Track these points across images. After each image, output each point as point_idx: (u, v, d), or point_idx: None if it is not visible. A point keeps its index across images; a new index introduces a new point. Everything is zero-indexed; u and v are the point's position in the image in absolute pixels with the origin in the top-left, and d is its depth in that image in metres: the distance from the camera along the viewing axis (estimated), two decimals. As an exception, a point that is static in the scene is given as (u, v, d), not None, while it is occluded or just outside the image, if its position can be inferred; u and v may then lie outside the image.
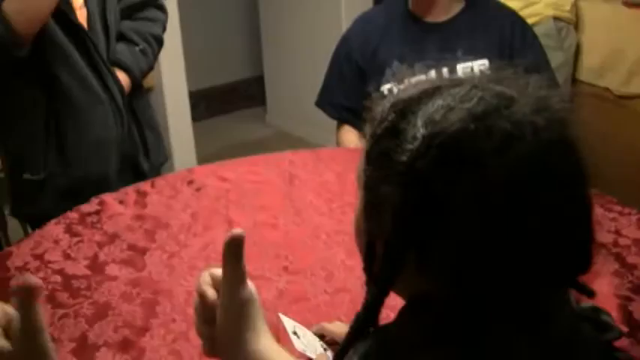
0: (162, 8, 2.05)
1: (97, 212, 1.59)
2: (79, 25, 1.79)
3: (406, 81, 0.73)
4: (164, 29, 2.05)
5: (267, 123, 4.50)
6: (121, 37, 1.93)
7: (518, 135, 0.62)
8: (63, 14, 1.73)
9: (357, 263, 1.31)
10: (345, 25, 3.80)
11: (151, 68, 2.01)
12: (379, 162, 0.67)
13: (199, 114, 4.19)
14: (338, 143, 2.13)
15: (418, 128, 0.64)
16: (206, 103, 4.44)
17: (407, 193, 0.63)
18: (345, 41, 2.09)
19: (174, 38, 3.09)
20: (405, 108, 0.67)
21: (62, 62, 1.77)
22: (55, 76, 1.77)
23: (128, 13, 1.97)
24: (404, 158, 0.64)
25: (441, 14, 1.97)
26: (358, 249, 0.74)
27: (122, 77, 1.90)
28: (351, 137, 2.08)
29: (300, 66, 4.18)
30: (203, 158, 3.48)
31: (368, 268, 0.71)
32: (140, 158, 1.98)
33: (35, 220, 1.81)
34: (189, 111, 3.34)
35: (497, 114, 0.63)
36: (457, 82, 0.67)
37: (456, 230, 0.63)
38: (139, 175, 1.92)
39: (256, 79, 4.64)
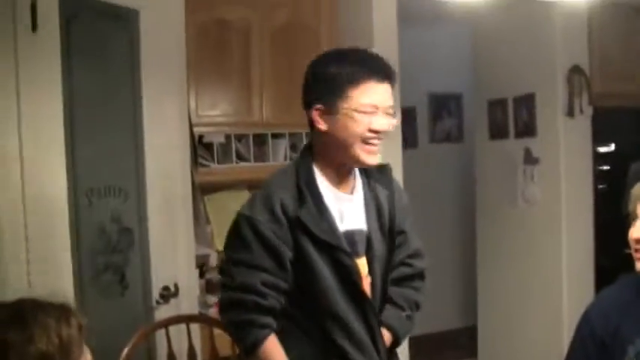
0: (424, 278, 2.20)
1: None
2: (364, 295, 1.94)
3: None
4: (423, 296, 2.18)
5: (479, 375, 4.36)
6: (389, 300, 2.06)
7: None
8: (354, 285, 1.90)
9: None
10: (565, 278, 3.74)
11: (411, 332, 2.13)
12: None
13: (409, 361, 4.17)
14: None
15: None
16: (416, 350, 4.42)
17: None
18: (587, 318, 2.03)
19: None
20: None
21: (339, 326, 1.91)
22: (330, 336, 1.91)
23: (398, 282, 2.11)
24: None
25: None
26: None
27: (387, 336, 2.02)
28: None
29: (516, 319, 4.08)
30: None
31: None
32: None
33: None
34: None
35: None
36: None
37: None
38: None
39: (467, 330, 4.58)
